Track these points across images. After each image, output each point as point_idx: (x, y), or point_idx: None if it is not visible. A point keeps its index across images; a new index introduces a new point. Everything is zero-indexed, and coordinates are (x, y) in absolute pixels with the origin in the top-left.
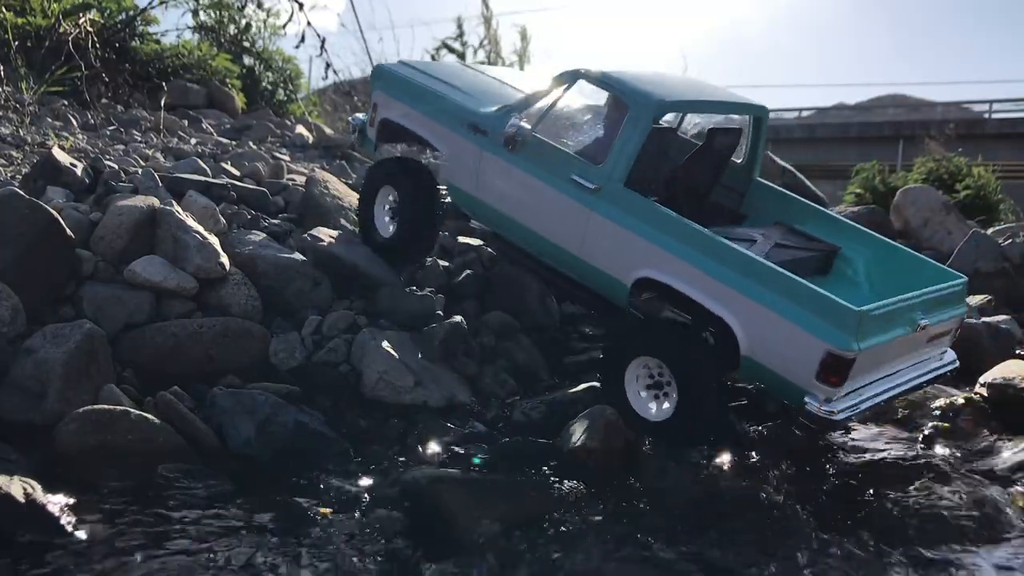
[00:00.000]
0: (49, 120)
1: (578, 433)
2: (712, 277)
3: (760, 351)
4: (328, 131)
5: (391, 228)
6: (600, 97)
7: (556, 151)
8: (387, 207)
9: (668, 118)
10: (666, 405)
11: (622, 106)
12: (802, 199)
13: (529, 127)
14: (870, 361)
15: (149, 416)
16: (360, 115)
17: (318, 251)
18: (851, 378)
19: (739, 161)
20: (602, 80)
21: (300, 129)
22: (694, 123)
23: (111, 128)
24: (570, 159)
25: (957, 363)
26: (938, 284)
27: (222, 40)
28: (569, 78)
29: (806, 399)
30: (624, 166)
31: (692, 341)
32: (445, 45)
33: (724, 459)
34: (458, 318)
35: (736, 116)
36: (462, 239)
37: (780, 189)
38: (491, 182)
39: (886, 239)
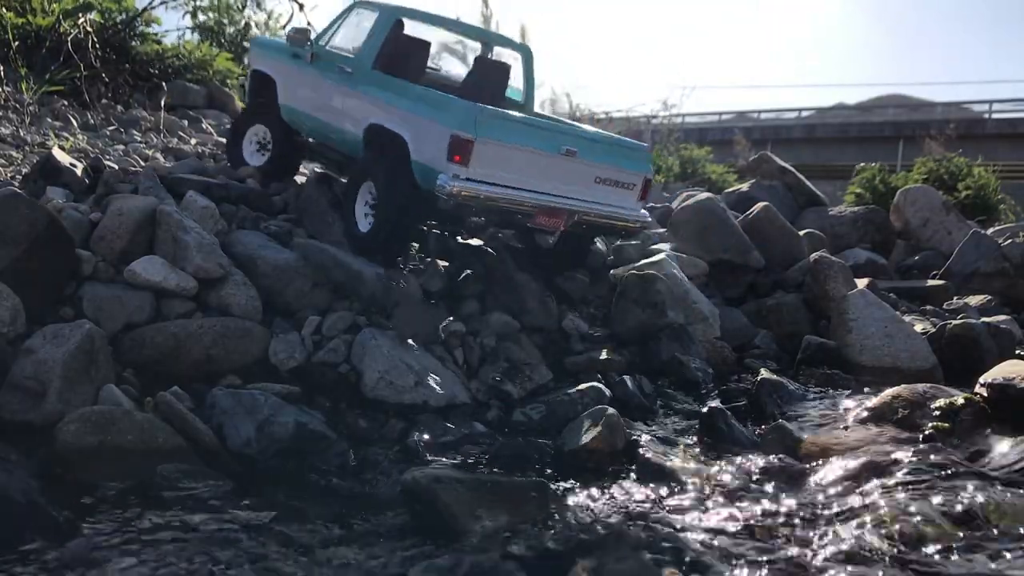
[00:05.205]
0: (49, 120)
1: (579, 433)
2: (400, 109)
3: (419, 152)
4: None
5: (261, 159)
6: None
7: (334, 54)
8: (256, 142)
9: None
10: (371, 220)
11: (374, 16)
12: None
13: (311, 30)
14: (498, 155)
15: (149, 416)
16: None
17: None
18: (476, 162)
19: (520, 101)
20: (369, 4)
21: None
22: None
23: (111, 128)
24: (341, 57)
25: (649, 221)
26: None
27: (222, 40)
28: (348, 9)
29: (439, 177)
30: (370, 54)
31: (391, 172)
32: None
33: (724, 459)
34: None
35: (503, 51)
36: (462, 240)
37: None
38: (300, 89)
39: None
